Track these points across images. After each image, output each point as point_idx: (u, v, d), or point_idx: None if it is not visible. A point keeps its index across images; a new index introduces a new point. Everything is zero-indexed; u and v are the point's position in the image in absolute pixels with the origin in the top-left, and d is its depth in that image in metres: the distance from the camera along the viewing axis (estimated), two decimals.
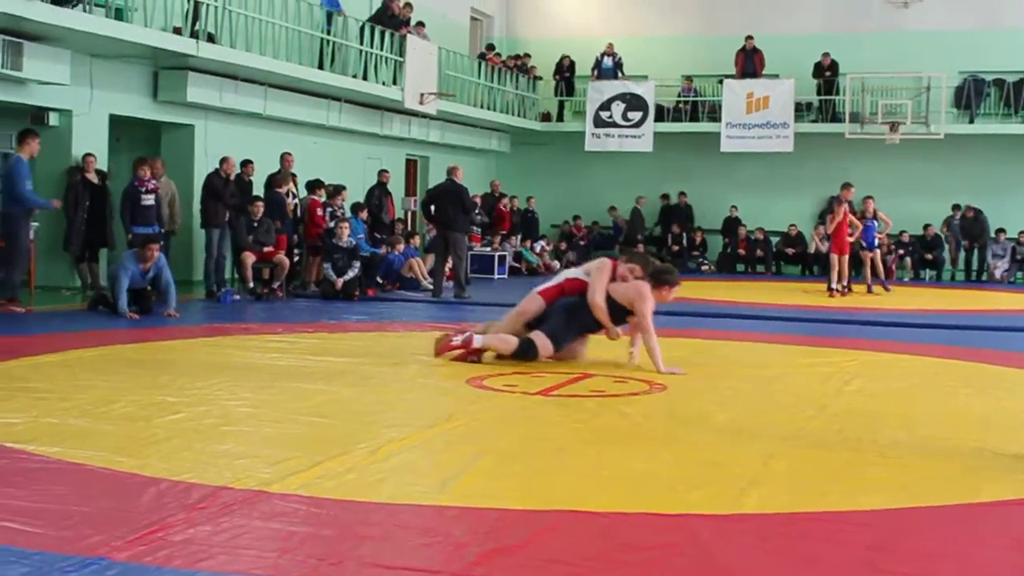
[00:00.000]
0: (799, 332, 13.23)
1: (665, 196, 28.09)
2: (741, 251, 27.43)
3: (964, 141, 26.26)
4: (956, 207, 26.02)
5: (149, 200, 14.94)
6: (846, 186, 20.08)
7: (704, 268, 27.28)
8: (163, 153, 17.71)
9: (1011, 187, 26.65)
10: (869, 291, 20.11)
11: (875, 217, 20.75)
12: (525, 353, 9.49)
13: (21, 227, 13.22)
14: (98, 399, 7.26)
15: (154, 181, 15.19)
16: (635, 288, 9.53)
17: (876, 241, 20.95)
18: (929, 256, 26.22)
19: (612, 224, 28.33)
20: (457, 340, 9.60)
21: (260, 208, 16.05)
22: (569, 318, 9.72)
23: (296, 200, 17.46)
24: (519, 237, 25.17)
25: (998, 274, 25.70)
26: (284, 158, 17.64)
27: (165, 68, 17.25)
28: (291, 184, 17.40)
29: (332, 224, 17.21)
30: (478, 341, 9.58)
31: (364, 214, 19.17)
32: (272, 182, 17.04)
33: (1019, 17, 26.85)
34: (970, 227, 25.95)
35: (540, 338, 9.56)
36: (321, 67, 19.99)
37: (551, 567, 4.10)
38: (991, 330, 14.01)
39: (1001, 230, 25.96)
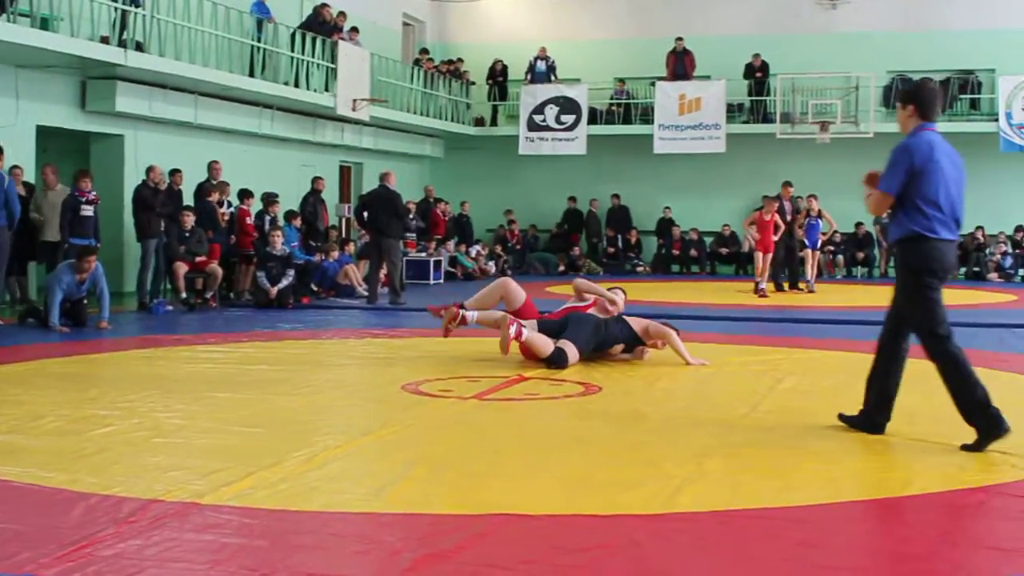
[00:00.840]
0: (733, 331, 13.33)
1: (616, 196, 28.21)
2: (675, 252, 27.59)
3: (893, 140, 25.45)
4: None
5: (88, 211, 14.77)
6: (785, 184, 20.29)
7: (639, 269, 27.43)
8: (92, 164, 17.54)
9: None
10: (811, 290, 20.29)
11: (819, 216, 20.96)
12: (556, 361, 9.51)
13: None
14: (27, 414, 7.15)
15: (94, 192, 15.03)
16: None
17: (819, 241, 21.18)
18: (860, 254, 26.57)
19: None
20: (512, 331, 9.51)
21: (190, 218, 15.90)
22: (595, 331, 9.90)
23: (230, 209, 17.33)
24: (454, 242, 25.14)
25: None
26: (212, 167, 17.47)
27: (93, 78, 17.06)
28: (225, 193, 17.27)
29: (266, 232, 17.11)
30: (524, 334, 9.62)
31: (298, 221, 19.07)
32: (204, 191, 16.90)
33: (945, 19, 27.30)
34: None
35: (570, 349, 9.60)
36: (252, 75, 19.87)
37: (486, 572, 4.09)
38: None
39: None
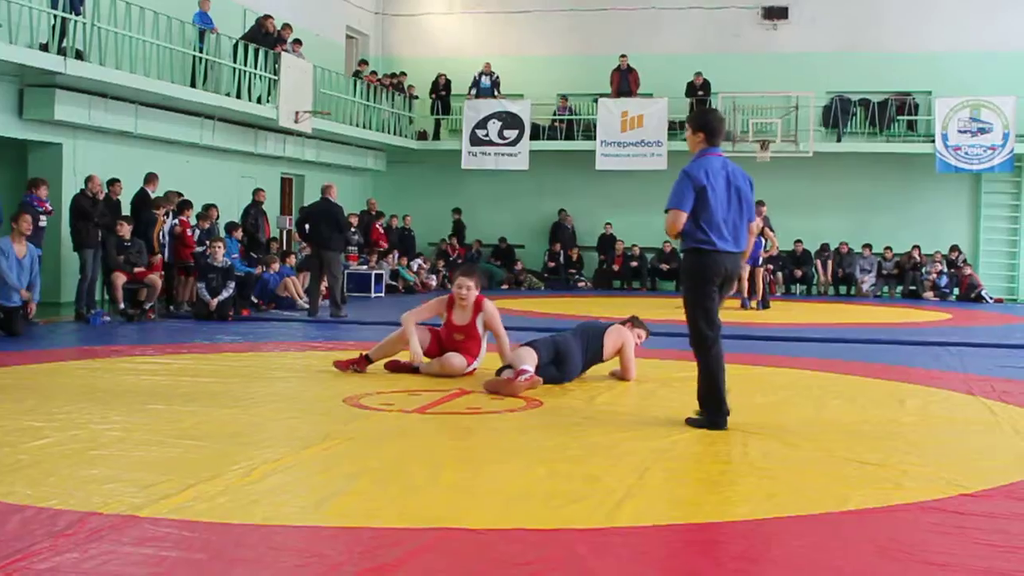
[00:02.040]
0: (674, 347, 13.38)
1: (562, 211, 28.32)
2: (616, 267, 27.71)
3: (832, 159, 26.96)
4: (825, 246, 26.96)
5: (42, 222, 14.69)
6: (759, 203, 20.44)
7: (581, 285, 27.52)
8: (30, 172, 17.28)
9: (877, 204, 27.49)
10: (744, 307, 20.46)
11: (762, 234, 21.14)
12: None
13: None
14: None
15: (49, 203, 14.93)
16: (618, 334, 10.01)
17: (760, 259, 21.36)
18: (799, 272, 26.86)
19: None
20: (524, 380, 9.04)
21: (127, 228, 15.77)
22: (583, 355, 9.79)
23: (174, 221, 17.22)
24: (396, 255, 25.09)
25: (865, 288, 26.46)
26: (149, 178, 17.22)
27: (31, 85, 16.87)
28: (171, 203, 17.20)
29: (206, 244, 16.99)
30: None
31: (238, 233, 18.96)
32: (144, 202, 16.78)
33: (883, 41, 27.72)
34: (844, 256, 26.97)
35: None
36: (193, 85, 19.73)
37: None
38: (859, 343, 14.36)
39: (867, 246, 26.79)
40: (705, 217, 7.45)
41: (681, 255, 7.76)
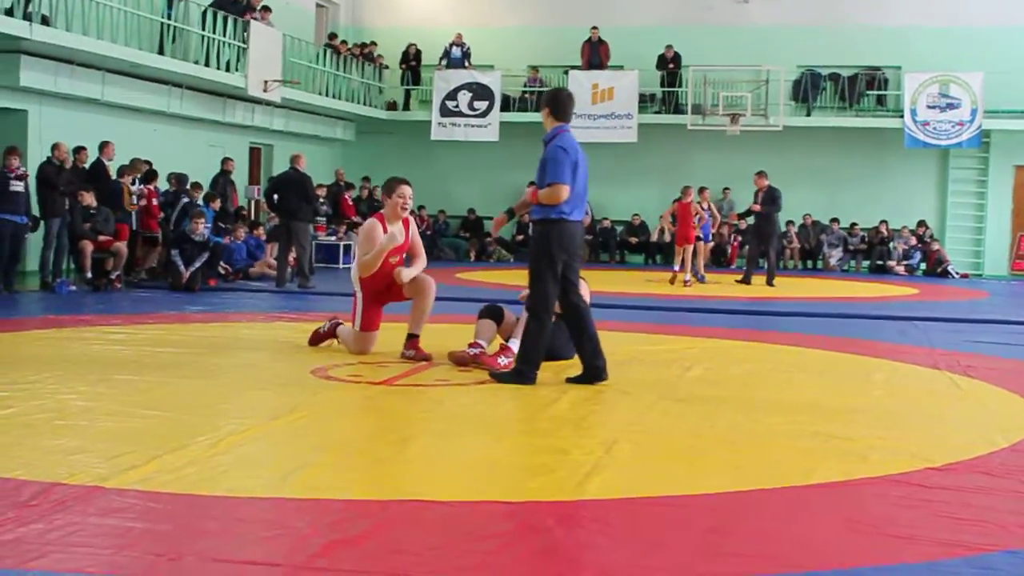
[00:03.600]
0: (643, 320, 13.43)
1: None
2: (586, 239, 27.72)
3: (801, 133, 27.02)
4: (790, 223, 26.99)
5: (18, 187, 14.56)
6: (760, 174, 20.45)
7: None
8: None
9: (845, 178, 27.60)
10: (701, 280, 20.50)
11: (709, 209, 21.26)
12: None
13: None
14: None
15: (23, 168, 14.78)
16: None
17: (711, 234, 21.53)
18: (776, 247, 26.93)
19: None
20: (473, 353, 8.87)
21: (90, 196, 15.65)
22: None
23: (139, 188, 17.09)
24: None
25: (833, 262, 26.61)
26: (103, 147, 17.03)
27: None
28: (138, 171, 17.07)
29: (175, 214, 16.92)
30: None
31: (217, 204, 18.86)
32: (105, 169, 16.65)
33: (854, 14, 27.72)
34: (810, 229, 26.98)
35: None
36: (161, 52, 19.55)
37: (395, 557, 4.07)
38: (825, 316, 14.43)
39: (835, 220, 26.90)
40: (571, 189, 7.94)
41: (535, 225, 8.16)
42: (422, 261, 9.60)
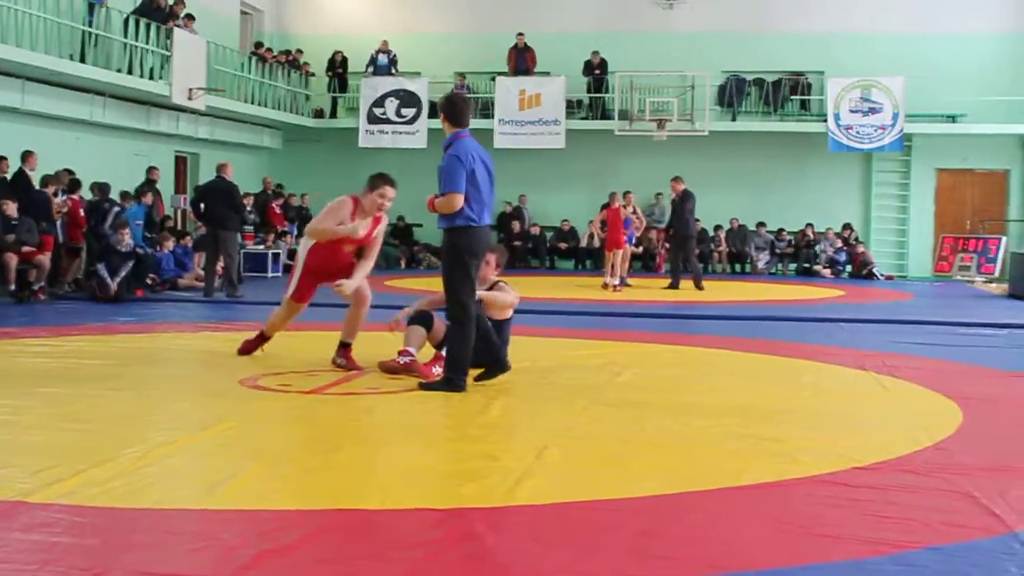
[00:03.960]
0: (573, 325, 13.47)
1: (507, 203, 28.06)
2: (515, 245, 27.74)
3: (727, 138, 27.26)
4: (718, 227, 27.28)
5: None
6: (676, 179, 20.57)
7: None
8: None
9: (771, 181, 27.89)
10: (625, 285, 20.61)
11: (635, 213, 21.42)
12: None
13: None
14: None
15: None
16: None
17: (634, 239, 21.72)
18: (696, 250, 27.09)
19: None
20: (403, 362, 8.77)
21: (12, 206, 15.41)
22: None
23: (64, 199, 16.87)
24: (294, 235, 24.83)
25: (760, 265, 26.88)
26: (25, 156, 16.81)
27: None
28: (62, 182, 16.84)
29: (107, 224, 16.72)
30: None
31: (149, 198, 18.65)
32: (27, 179, 16.40)
33: (777, 21, 28.06)
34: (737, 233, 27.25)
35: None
36: (83, 60, 19.27)
37: (325, 567, 4.05)
38: (754, 320, 14.57)
39: (762, 223, 27.19)
40: (473, 195, 8.02)
41: (444, 233, 8.17)
42: (369, 264, 9.35)
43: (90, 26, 19.60)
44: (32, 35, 17.80)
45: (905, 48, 27.05)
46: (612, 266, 20.09)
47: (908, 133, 26.49)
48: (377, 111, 27.19)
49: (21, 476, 5.22)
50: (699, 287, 19.90)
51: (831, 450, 6.20)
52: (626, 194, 21.37)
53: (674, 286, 20.23)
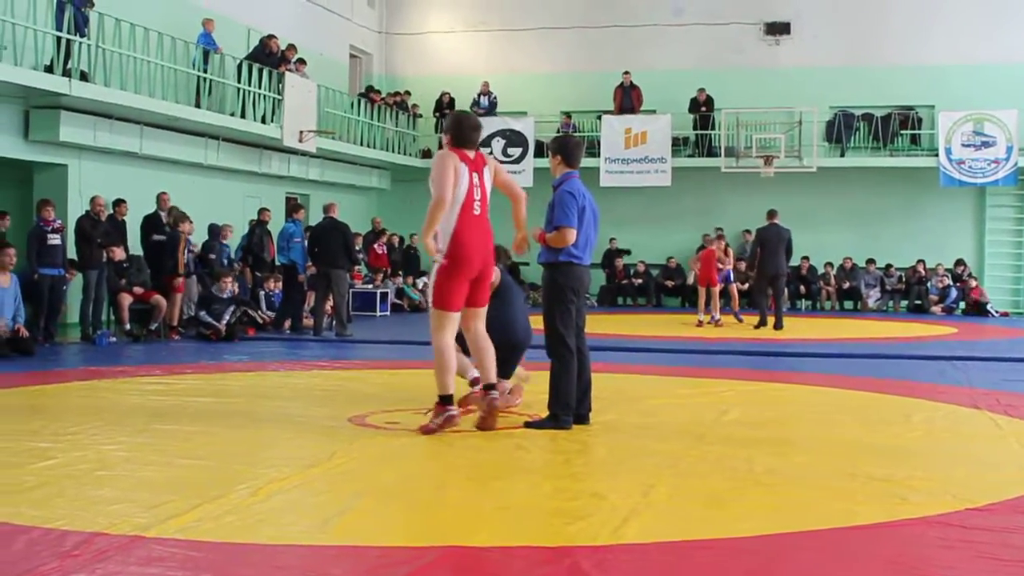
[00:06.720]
0: (679, 363, 13.41)
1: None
2: (622, 283, 27.73)
3: (835, 174, 26.96)
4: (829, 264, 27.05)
5: (55, 240, 14.78)
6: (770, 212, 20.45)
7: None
8: (36, 193, 17.34)
9: (881, 218, 27.47)
10: (715, 323, 20.51)
11: (725, 252, 21.55)
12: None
13: None
14: None
15: (59, 221, 15.02)
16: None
17: (731, 275, 21.72)
18: (804, 288, 26.82)
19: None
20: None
21: (119, 252, 15.88)
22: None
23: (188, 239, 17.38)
24: (401, 274, 25.09)
25: (871, 303, 26.46)
26: (160, 198, 17.41)
27: (37, 107, 16.92)
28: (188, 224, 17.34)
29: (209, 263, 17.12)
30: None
31: (229, 233, 19.19)
32: (155, 222, 16.92)
33: (886, 55, 27.76)
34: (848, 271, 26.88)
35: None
36: (198, 105, 19.78)
37: None
38: (864, 358, 14.35)
39: (871, 260, 26.77)
40: (580, 234, 8.10)
41: (546, 269, 8.26)
42: (521, 198, 8.52)
43: (205, 72, 20.12)
44: (150, 82, 18.32)
45: (1018, 79, 26.55)
46: (706, 302, 20.43)
47: (1023, 167, 25.94)
48: (484, 151, 27.34)
49: (138, 511, 5.35)
50: (777, 327, 19.31)
51: (944, 490, 6.09)
52: (719, 233, 21.55)
53: (762, 323, 19.81)
